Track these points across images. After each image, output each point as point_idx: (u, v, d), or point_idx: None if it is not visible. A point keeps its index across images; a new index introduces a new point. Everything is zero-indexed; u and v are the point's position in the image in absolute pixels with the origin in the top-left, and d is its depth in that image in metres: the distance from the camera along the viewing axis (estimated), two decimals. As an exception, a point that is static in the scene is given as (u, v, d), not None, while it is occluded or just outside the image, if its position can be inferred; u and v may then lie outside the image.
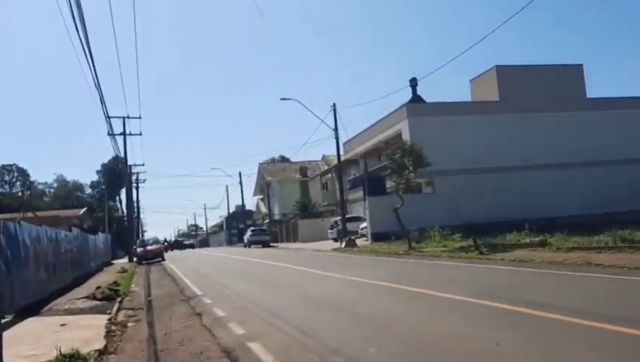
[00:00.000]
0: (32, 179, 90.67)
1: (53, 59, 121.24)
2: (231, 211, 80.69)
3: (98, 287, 13.43)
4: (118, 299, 12.78)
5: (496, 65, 31.85)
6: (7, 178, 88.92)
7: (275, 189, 60.27)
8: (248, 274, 16.93)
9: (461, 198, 29.68)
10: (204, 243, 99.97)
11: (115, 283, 16.54)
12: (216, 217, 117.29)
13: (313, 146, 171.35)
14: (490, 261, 14.49)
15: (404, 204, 29.64)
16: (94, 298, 12.95)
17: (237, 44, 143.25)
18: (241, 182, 59.50)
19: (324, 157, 63.55)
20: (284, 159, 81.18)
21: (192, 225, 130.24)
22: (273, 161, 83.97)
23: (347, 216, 38.52)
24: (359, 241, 29.11)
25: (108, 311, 10.78)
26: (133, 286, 16.72)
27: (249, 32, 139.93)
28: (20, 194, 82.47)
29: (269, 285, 13.23)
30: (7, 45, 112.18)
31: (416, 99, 33.19)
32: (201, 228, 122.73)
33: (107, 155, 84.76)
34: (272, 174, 62.67)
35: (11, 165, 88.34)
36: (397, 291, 10.17)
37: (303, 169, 61.80)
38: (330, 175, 55.82)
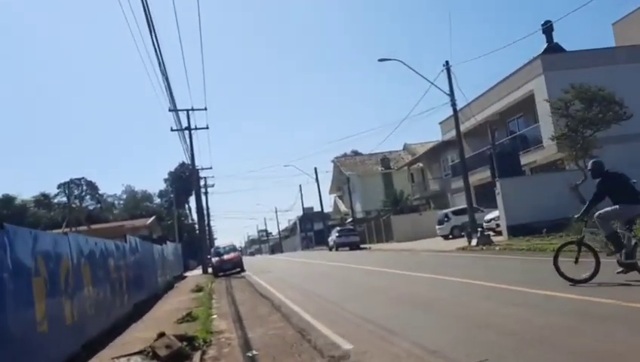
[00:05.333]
0: (101, 191, 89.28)
1: (115, 68, 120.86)
2: (302, 213, 75.39)
3: (161, 335, 7.70)
4: (196, 358, 7.05)
5: (658, -3, 24.39)
6: (76, 192, 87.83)
7: (356, 184, 54.17)
8: (390, 295, 10.79)
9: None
10: (277, 248, 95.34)
11: (189, 315, 10.90)
12: (285, 221, 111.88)
13: (400, 132, 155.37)
14: None
15: (546, 187, 22.89)
16: (155, 356, 7.29)
17: (309, 21, 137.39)
18: (317, 179, 53.80)
19: (405, 147, 56.93)
20: (356, 154, 74.97)
21: (261, 230, 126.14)
22: (345, 155, 77.86)
23: (456, 208, 31.97)
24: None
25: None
26: (215, 317, 11.05)
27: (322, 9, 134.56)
28: (90, 207, 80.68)
29: (472, 323, 7.07)
30: (66, 55, 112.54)
31: (552, 48, 25.97)
32: (271, 232, 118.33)
33: (174, 163, 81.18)
34: (351, 168, 56.62)
35: (80, 179, 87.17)
36: None
37: (385, 160, 55.43)
38: (417, 165, 49.19)
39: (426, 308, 8.64)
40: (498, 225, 23.91)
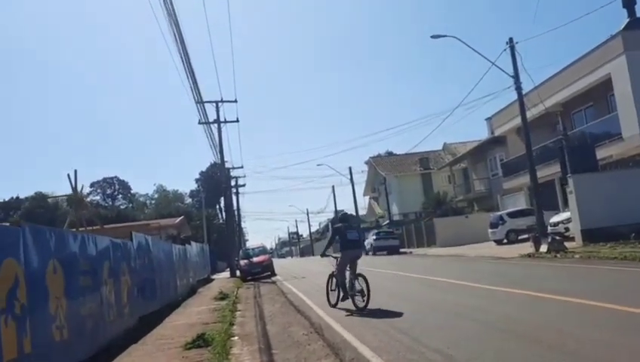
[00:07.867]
0: (133, 191, 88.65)
1: (147, 66, 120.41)
2: (332, 216, 72.56)
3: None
4: None
5: None
6: (108, 191, 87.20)
7: (392, 185, 51.10)
8: (489, 320, 7.77)
9: None
10: (308, 250, 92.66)
11: (201, 337, 8.24)
12: (316, 223, 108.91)
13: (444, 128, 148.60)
14: None
15: (631, 185, 19.59)
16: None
17: (346, 15, 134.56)
18: (351, 178, 50.95)
19: (445, 147, 53.66)
20: (390, 154, 71.72)
21: (292, 232, 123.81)
22: (380, 156, 74.69)
23: (512, 209, 28.74)
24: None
25: None
26: (235, 340, 8.38)
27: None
28: (122, 207, 79.63)
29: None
30: (101, 55, 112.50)
31: (635, 23, 22.50)
32: (302, 235, 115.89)
33: (207, 163, 79.86)
34: (388, 168, 53.53)
35: (112, 178, 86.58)
36: None
37: (424, 160, 52.20)
38: (459, 165, 45.88)
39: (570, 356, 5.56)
40: (568, 229, 20.69)
